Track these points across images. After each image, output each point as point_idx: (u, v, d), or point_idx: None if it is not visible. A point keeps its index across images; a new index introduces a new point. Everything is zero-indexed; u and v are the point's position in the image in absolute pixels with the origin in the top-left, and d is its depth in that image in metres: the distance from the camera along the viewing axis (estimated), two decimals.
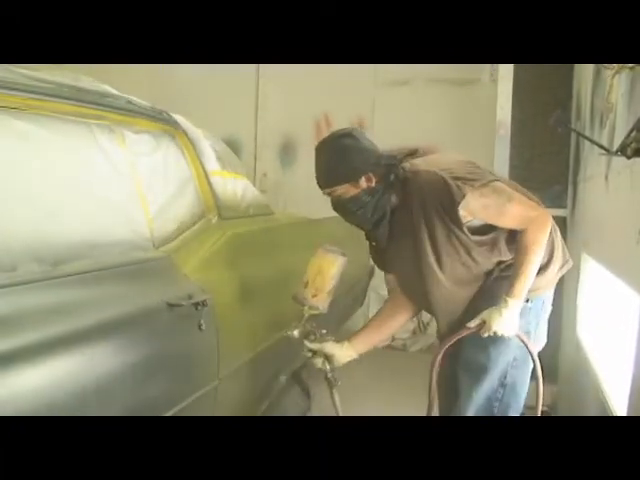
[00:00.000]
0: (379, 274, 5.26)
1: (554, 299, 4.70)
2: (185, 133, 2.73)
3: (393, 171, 2.19)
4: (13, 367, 1.44)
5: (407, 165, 2.23)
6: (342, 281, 3.98)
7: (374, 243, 2.37)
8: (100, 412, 1.68)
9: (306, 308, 2.32)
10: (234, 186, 3.06)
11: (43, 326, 1.57)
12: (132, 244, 2.11)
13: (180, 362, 2.11)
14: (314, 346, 2.33)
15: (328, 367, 2.33)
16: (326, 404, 4.19)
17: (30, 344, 1.50)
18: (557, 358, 4.76)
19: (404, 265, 2.29)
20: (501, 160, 4.90)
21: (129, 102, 2.40)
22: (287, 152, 6.65)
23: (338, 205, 2.26)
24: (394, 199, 2.21)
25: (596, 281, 3.29)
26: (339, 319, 4.21)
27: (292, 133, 6.59)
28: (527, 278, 2.12)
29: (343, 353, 2.34)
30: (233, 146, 4.91)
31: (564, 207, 4.78)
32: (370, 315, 6.30)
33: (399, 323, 2.44)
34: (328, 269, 2.32)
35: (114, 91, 2.35)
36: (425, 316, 5.87)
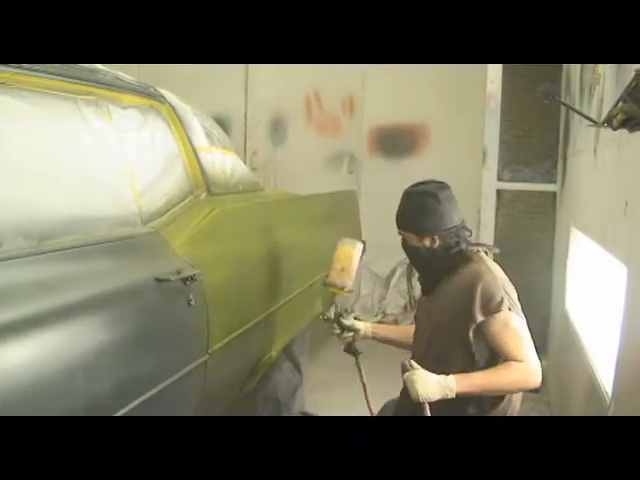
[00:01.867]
0: (371, 251, 5.28)
1: (545, 274, 4.74)
2: (173, 108, 2.71)
3: (459, 245, 2.32)
4: (0, 342, 1.44)
5: (475, 249, 2.35)
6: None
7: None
8: (89, 388, 1.69)
9: (339, 290, 2.68)
10: (223, 162, 3.05)
11: (30, 301, 1.56)
12: (120, 220, 2.10)
13: (169, 337, 2.12)
14: (348, 322, 2.62)
15: (354, 340, 2.64)
16: (316, 379, 4.24)
17: (17, 319, 1.49)
18: (547, 333, 4.80)
19: (426, 315, 2.44)
20: (492, 135, 4.90)
21: (116, 77, 2.38)
22: (277, 130, 6.63)
23: (404, 244, 2.45)
24: (448, 266, 2.33)
25: (585, 254, 3.31)
26: (330, 295, 4.22)
27: (282, 111, 6.56)
28: (477, 387, 2.13)
29: (366, 330, 2.64)
30: (223, 124, 4.88)
31: (554, 182, 4.80)
32: (361, 292, 6.34)
33: (407, 343, 2.59)
34: (356, 255, 2.69)
35: (101, 66, 2.34)
36: (417, 292, 5.90)
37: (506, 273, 2.22)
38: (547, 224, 4.82)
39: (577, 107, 3.57)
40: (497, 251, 2.46)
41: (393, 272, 5.98)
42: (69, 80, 2.04)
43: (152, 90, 2.64)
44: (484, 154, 4.93)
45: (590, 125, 2.48)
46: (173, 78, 4.59)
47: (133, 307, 1.94)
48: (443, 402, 2.10)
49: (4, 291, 1.52)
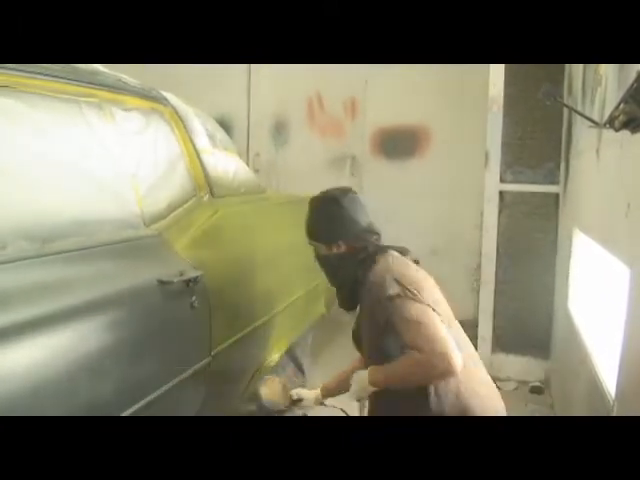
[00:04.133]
0: None
1: (548, 276, 4.73)
2: (175, 111, 2.72)
3: (365, 251, 2.28)
4: (4, 344, 1.44)
5: (379, 253, 2.28)
6: None
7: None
8: (92, 390, 1.69)
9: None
10: (225, 164, 3.06)
11: (34, 303, 1.57)
12: (122, 222, 2.11)
13: (172, 339, 2.12)
14: (295, 393, 2.65)
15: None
16: (319, 381, 4.23)
17: (21, 321, 1.50)
18: (550, 333, 4.79)
19: (359, 336, 2.39)
20: (494, 137, 4.89)
21: (118, 80, 2.39)
22: (280, 131, 6.62)
23: (316, 255, 2.42)
24: (358, 274, 2.27)
25: (587, 255, 3.30)
26: (329, 302, 4.22)
27: (285, 113, 6.56)
28: (384, 378, 2.13)
29: (314, 398, 2.62)
30: (225, 126, 4.88)
31: (557, 183, 4.79)
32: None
33: None
34: None
35: (103, 69, 2.34)
36: None
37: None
38: (550, 225, 4.82)
39: (579, 108, 3.56)
40: (408, 251, 2.36)
41: None
42: (72, 82, 2.05)
43: (154, 92, 2.64)
44: (486, 156, 4.92)
45: (592, 126, 2.48)
46: (176, 80, 4.59)
47: (136, 309, 1.94)
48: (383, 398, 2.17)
49: (9, 293, 1.53)
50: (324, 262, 2.37)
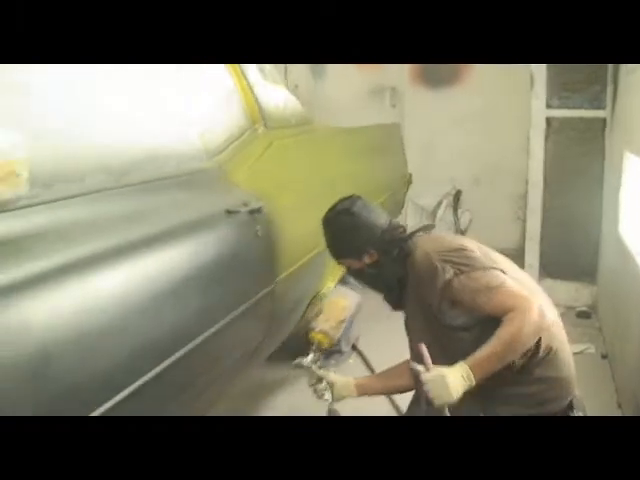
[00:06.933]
0: (416, 184, 5.28)
1: (595, 200, 4.70)
2: None
3: (397, 245, 2.18)
4: (91, 272, 1.50)
5: (411, 241, 2.18)
6: (381, 193, 4.02)
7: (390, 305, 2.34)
8: (173, 313, 1.76)
9: (316, 335, 2.47)
10: (276, 96, 3.08)
11: (114, 233, 1.63)
12: (187, 155, 2.16)
13: (241, 267, 2.19)
14: (321, 373, 2.35)
15: (330, 398, 2.31)
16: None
17: (102, 250, 1.55)
18: (597, 259, 4.80)
19: (414, 327, 2.23)
20: None
21: None
22: None
23: (349, 272, 2.34)
24: (400, 270, 2.17)
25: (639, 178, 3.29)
26: None
27: None
28: (487, 367, 1.89)
29: (343, 387, 2.31)
30: None
31: (603, 108, 4.71)
32: (408, 225, 6.34)
33: (404, 385, 2.27)
34: (341, 301, 2.51)
35: None
36: (463, 224, 5.91)
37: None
38: (596, 150, 4.76)
39: None
40: (433, 226, 2.29)
41: (439, 204, 5.96)
42: None
43: None
44: (531, 79, 4.84)
45: None
46: None
47: (209, 238, 2.01)
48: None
49: (89, 224, 1.58)
50: (362, 276, 2.27)
